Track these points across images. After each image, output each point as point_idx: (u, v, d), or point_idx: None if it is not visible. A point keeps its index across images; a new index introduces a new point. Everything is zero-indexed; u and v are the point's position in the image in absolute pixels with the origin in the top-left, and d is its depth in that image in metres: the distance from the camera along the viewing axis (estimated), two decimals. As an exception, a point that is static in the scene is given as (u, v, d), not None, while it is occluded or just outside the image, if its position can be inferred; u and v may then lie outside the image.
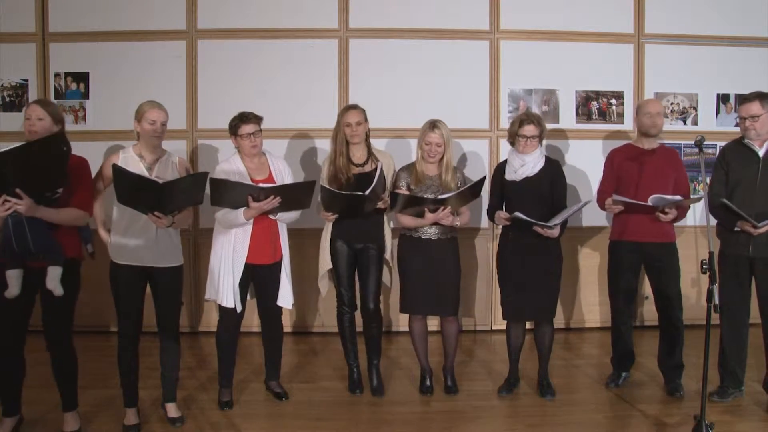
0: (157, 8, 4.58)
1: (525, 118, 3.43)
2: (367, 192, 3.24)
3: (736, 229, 3.30)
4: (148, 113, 3.02)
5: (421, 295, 3.48)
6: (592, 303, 4.81)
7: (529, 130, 3.39)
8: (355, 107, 3.53)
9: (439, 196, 3.31)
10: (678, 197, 3.36)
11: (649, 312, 4.58)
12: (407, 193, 3.43)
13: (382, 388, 3.60)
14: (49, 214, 2.74)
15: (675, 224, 3.58)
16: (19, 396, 2.97)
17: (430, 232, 3.47)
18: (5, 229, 2.69)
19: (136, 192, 2.86)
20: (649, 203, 3.38)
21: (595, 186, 4.63)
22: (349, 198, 3.31)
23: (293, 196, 3.22)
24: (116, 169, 2.85)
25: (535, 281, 3.41)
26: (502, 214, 3.41)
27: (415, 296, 3.50)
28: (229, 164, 3.34)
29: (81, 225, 2.97)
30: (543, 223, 3.29)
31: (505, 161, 3.54)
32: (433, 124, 3.43)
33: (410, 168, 3.54)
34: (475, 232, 4.68)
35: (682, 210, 3.47)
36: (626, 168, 3.62)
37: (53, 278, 2.76)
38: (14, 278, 2.72)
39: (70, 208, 2.83)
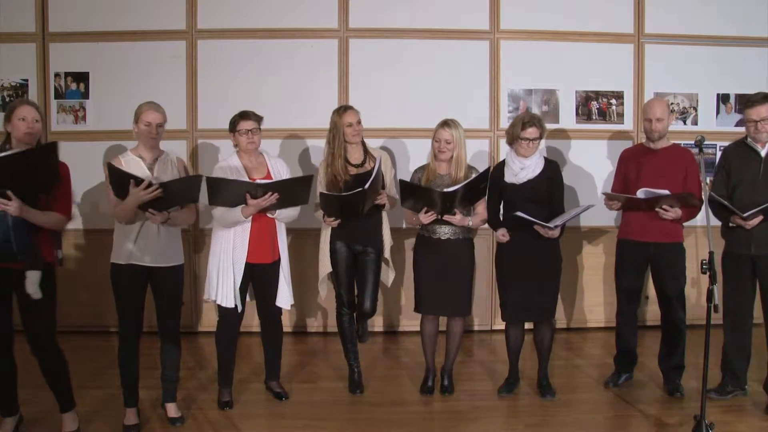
0: (157, 8, 4.58)
1: (527, 120, 3.39)
2: (366, 186, 3.23)
3: (731, 225, 3.31)
4: (144, 115, 3.02)
5: (432, 295, 3.48)
6: (594, 303, 4.80)
7: (531, 132, 3.37)
8: (351, 107, 3.54)
9: (445, 190, 3.26)
10: (665, 191, 3.33)
11: (649, 312, 4.58)
12: (415, 184, 3.42)
13: (368, 333, 3.71)
14: (35, 217, 2.73)
15: (684, 225, 3.55)
16: (15, 396, 2.96)
17: (441, 232, 3.45)
18: None
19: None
20: (638, 196, 3.37)
21: (594, 186, 4.66)
22: (348, 198, 3.29)
23: (291, 191, 3.21)
24: (111, 168, 2.85)
25: (534, 282, 3.41)
26: (500, 235, 3.44)
27: (427, 296, 3.50)
28: (228, 163, 3.34)
29: (60, 229, 2.96)
30: (544, 223, 3.29)
31: (503, 162, 3.53)
32: (445, 122, 3.43)
33: (424, 168, 3.55)
34: (476, 233, 4.66)
35: (689, 209, 3.42)
36: (629, 167, 3.63)
37: (33, 282, 2.73)
38: None
39: (53, 212, 2.82)
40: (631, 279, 3.61)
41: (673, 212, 3.38)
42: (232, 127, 3.31)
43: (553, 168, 3.46)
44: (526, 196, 3.39)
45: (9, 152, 2.66)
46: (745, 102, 3.39)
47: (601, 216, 4.42)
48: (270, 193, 3.11)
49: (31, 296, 2.74)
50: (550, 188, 3.42)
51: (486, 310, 4.78)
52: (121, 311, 3.05)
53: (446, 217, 3.34)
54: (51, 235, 2.92)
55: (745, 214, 3.20)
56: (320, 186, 3.49)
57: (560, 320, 4.72)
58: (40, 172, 2.69)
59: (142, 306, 3.07)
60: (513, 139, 3.43)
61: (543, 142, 3.51)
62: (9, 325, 2.87)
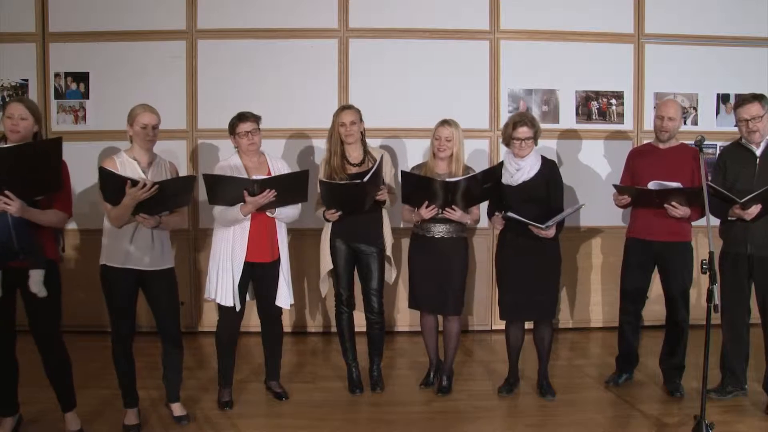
0: (157, 8, 4.57)
1: (518, 119, 3.38)
2: (365, 179, 3.23)
3: (730, 218, 3.30)
4: (139, 117, 3.01)
5: (426, 292, 3.51)
6: (595, 303, 4.80)
7: (523, 131, 3.36)
8: (349, 107, 3.55)
9: (448, 180, 3.25)
10: (677, 184, 3.32)
11: (649, 312, 4.56)
12: (417, 174, 3.42)
13: (382, 383, 3.64)
14: (35, 216, 2.73)
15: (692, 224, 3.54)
16: (15, 396, 2.96)
17: (435, 231, 3.46)
18: None
19: (123, 194, 2.85)
20: (649, 187, 3.36)
21: (594, 185, 4.66)
22: (348, 188, 3.30)
23: (288, 187, 3.20)
24: (103, 171, 2.85)
25: (532, 281, 3.41)
26: (496, 220, 3.43)
27: (421, 293, 3.53)
28: (228, 162, 3.35)
29: (61, 227, 2.96)
30: (536, 224, 3.29)
31: (502, 163, 3.53)
32: (445, 121, 3.47)
33: (422, 166, 3.57)
34: (475, 232, 4.67)
35: (696, 209, 3.38)
36: (637, 165, 3.63)
37: (36, 281, 2.74)
38: None
39: (53, 210, 2.82)
40: (636, 278, 3.61)
41: (682, 210, 3.36)
42: (231, 130, 3.31)
43: (550, 168, 3.45)
44: (522, 197, 3.39)
45: (3, 146, 2.64)
46: (736, 102, 3.39)
47: (602, 216, 4.42)
48: (267, 190, 3.11)
49: (36, 295, 2.74)
50: (548, 188, 3.41)
51: (486, 310, 4.78)
52: (113, 313, 3.04)
53: (446, 212, 3.32)
54: (53, 232, 2.92)
55: (741, 200, 3.17)
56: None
57: (564, 320, 4.72)
58: (39, 170, 2.66)
59: (134, 307, 3.06)
60: (507, 139, 3.44)
61: (541, 142, 3.49)
62: (12, 324, 2.86)
